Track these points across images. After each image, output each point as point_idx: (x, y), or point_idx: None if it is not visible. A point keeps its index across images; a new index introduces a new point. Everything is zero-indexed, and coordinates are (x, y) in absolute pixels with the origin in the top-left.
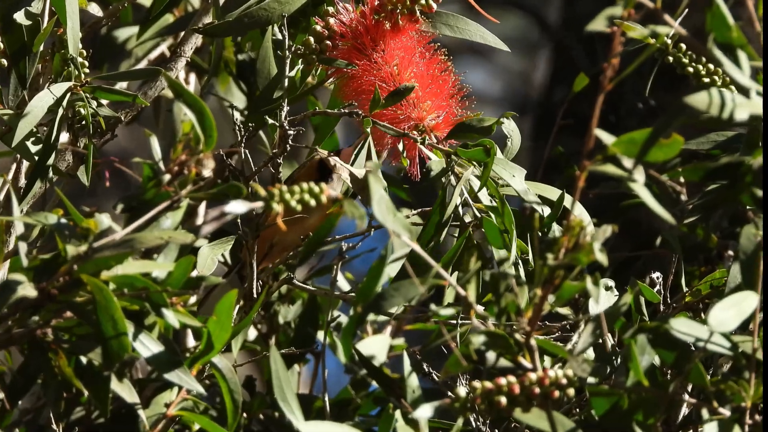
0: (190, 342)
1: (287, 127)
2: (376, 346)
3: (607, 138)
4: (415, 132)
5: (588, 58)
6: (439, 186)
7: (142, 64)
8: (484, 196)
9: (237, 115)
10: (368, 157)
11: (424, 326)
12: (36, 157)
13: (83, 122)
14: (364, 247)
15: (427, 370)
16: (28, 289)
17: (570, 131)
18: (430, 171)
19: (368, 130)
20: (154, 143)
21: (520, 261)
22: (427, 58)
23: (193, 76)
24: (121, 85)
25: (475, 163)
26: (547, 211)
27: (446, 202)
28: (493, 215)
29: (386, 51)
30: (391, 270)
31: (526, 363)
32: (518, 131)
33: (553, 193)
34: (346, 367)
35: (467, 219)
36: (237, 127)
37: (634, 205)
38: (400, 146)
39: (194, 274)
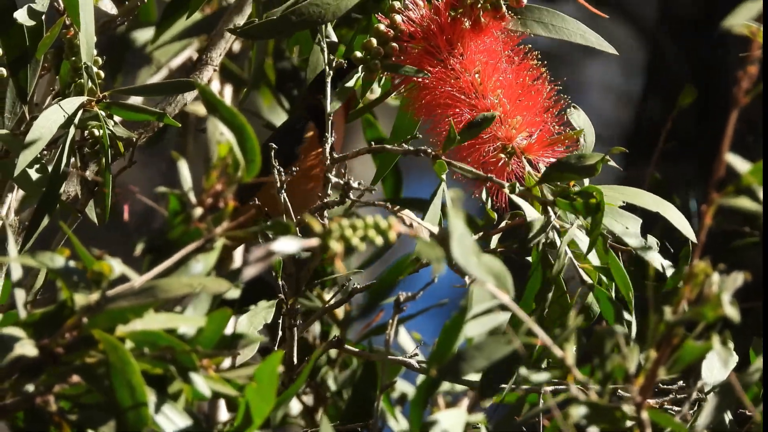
0: (222, 414)
1: (353, 185)
2: (448, 422)
3: (741, 164)
4: (502, 155)
5: (687, 64)
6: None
7: (163, 73)
8: (592, 255)
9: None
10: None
11: (511, 396)
12: (40, 188)
13: (96, 146)
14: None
15: None
16: (26, 347)
17: (665, 153)
18: (531, 229)
19: (443, 176)
20: (183, 169)
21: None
22: (515, 64)
23: (228, 88)
24: (136, 100)
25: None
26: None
27: (546, 268)
28: (603, 278)
29: (466, 55)
30: (473, 328)
31: None
32: (591, 127)
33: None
34: None
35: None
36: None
37: (746, 245)
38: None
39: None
